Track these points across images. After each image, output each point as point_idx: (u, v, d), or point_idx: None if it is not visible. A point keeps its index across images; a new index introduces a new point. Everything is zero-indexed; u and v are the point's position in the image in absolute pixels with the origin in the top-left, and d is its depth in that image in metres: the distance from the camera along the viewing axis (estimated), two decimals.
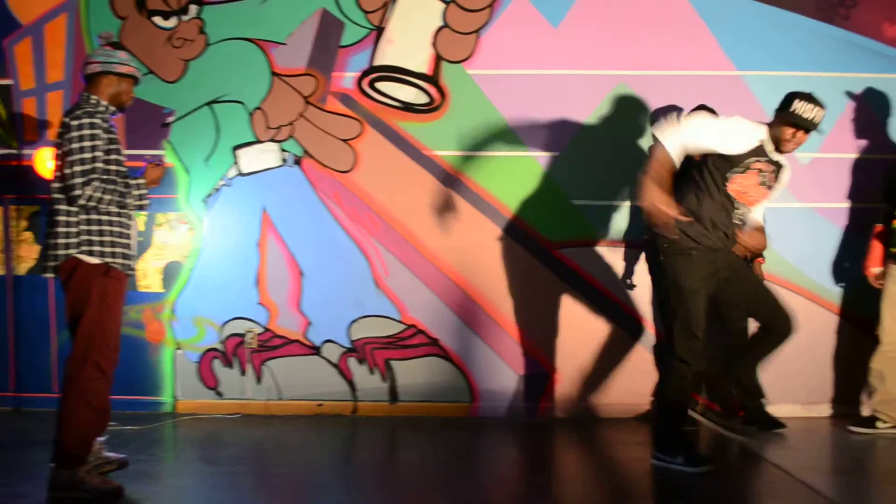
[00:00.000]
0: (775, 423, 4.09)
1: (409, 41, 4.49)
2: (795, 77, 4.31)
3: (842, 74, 4.47)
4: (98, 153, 2.84)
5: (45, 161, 4.10)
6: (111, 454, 3.15)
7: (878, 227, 4.15)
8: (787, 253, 4.44)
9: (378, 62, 4.50)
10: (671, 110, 4.22)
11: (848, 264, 4.48)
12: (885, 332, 4.03)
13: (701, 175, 3.32)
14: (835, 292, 4.52)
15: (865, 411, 4.29)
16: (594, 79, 4.46)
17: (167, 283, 4.52)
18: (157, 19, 4.48)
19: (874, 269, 4.14)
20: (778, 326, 3.43)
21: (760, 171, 3.29)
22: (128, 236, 3.00)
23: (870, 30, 4.51)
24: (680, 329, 3.28)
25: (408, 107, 4.49)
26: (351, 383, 4.53)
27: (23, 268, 4.54)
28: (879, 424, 4.05)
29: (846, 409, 4.46)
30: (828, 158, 4.46)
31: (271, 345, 4.52)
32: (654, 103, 4.44)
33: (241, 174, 4.53)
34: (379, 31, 4.49)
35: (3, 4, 4.50)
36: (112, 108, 3.01)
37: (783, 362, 3.98)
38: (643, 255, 3.74)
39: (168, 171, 4.23)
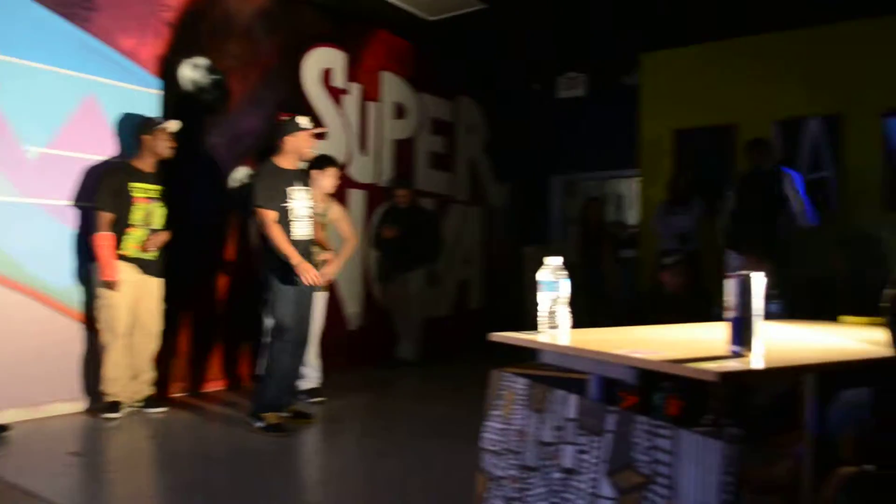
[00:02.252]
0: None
1: None
2: (33, 69, 4.46)
3: (80, 74, 4.71)
4: None
5: None
6: None
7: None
8: (10, 249, 4.40)
9: None
10: None
11: (77, 262, 4.70)
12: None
13: None
14: (61, 290, 4.63)
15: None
16: None
17: None
18: None
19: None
20: None
21: None
22: None
23: (107, 36, 4.87)
24: None
25: None
26: None
27: None
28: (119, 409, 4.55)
29: (86, 401, 4.72)
30: (58, 156, 4.62)
31: None
32: None
33: None
34: None
35: None
36: None
37: (7, 365, 4.14)
38: None
39: None
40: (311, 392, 5.15)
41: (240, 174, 5.76)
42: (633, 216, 9.81)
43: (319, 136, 4.66)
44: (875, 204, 6.63)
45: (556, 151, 9.46)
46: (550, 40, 7.73)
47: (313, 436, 4.40)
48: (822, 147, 6.94)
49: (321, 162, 5.10)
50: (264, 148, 5.25)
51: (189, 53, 5.49)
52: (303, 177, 4.57)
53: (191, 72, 5.50)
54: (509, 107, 9.29)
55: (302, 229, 4.43)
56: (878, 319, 1.37)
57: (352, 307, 6.89)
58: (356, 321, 6.94)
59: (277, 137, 4.45)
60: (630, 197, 10.39)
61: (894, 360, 1.41)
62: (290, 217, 4.37)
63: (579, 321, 2.34)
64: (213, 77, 5.64)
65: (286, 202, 4.35)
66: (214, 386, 5.61)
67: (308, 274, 4.26)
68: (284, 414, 4.47)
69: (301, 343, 4.52)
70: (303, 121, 4.46)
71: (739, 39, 7.37)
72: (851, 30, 6.84)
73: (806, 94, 7.03)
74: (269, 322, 4.44)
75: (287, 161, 4.42)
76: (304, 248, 4.40)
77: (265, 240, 4.33)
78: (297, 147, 4.42)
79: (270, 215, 4.26)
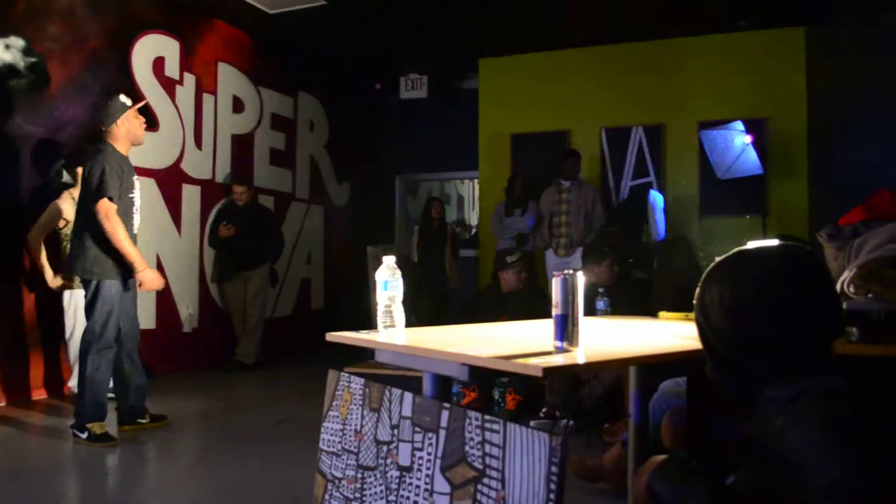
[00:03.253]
0: None
1: None
2: None
3: None
4: None
5: None
6: None
7: None
8: None
9: None
10: None
11: None
12: None
13: None
14: None
15: None
16: None
17: None
18: None
19: None
20: None
21: None
22: None
23: None
24: None
25: None
26: None
27: None
28: None
29: None
30: None
31: None
32: None
33: None
34: None
35: None
36: None
37: None
38: None
39: None
40: None
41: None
42: (473, 216, 10.06)
43: (143, 113, 4.31)
44: (693, 208, 7.19)
45: (399, 151, 9.54)
46: (391, 40, 7.76)
47: (147, 444, 4.15)
48: (645, 154, 7.43)
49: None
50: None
51: (2, 33, 5.02)
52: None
53: (3, 53, 5.03)
54: (351, 105, 9.24)
55: (138, 222, 4.20)
56: (693, 315, 1.47)
57: (186, 309, 6.58)
58: (191, 323, 6.63)
59: (107, 123, 4.08)
60: (470, 198, 10.65)
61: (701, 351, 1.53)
62: (134, 209, 4.12)
63: (424, 319, 2.36)
64: (29, 59, 5.19)
65: (131, 193, 4.09)
66: (35, 395, 5.16)
67: (153, 282, 4.06)
68: (144, 420, 4.28)
69: (132, 347, 4.23)
70: (126, 99, 4.16)
71: (572, 50, 7.76)
72: (674, 46, 7.39)
73: (632, 105, 7.50)
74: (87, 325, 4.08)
75: (124, 147, 4.11)
76: (135, 240, 4.14)
77: (93, 234, 3.95)
78: (132, 129, 4.12)
79: (113, 207, 3.91)
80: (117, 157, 4.03)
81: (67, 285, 5.00)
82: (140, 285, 4.10)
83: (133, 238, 4.10)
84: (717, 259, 1.47)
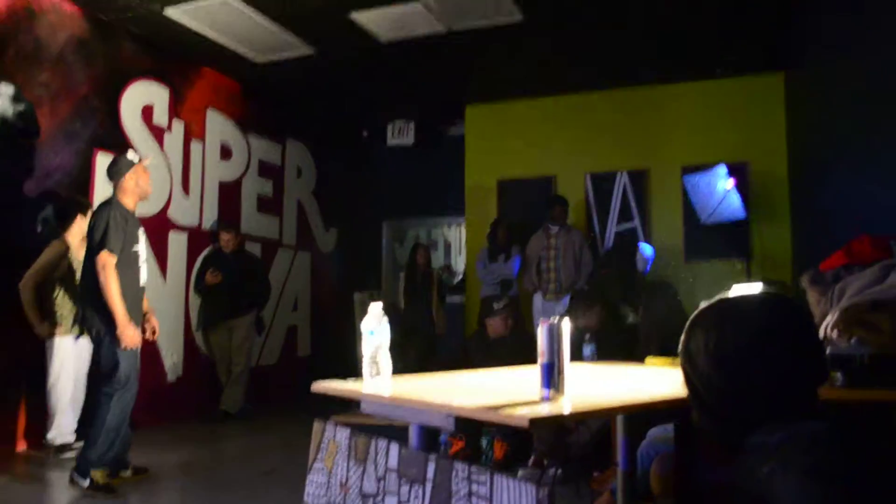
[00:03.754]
0: None
1: None
2: None
3: None
4: None
5: None
6: None
7: None
8: None
9: None
10: None
11: None
12: None
13: None
14: None
15: None
16: None
17: None
18: None
19: None
20: None
21: None
22: None
23: None
24: None
25: None
26: None
27: None
28: None
29: None
30: None
31: None
32: None
33: None
34: None
35: None
36: None
37: None
38: None
39: None
40: None
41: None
42: (460, 262, 10.08)
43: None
44: (678, 252, 7.23)
45: (386, 198, 9.58)
46: (378, 88, 7.86)
47: (129, 498, 4.06)
48: (630, 199, 7.51)
49: (84, 206, 5.05)
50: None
51: None
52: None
53: None
54: (338, 152, 9.31)
55: (145, 275, 4.29)
56: (678, 360, 1.47)
57: (171, 358, 6.51)
58: (176, 372, 6.56)
59: (114, 179, 4.22)
60: (457, 243, 10.68)
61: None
62: (140, 262, 4.20)
63: (410, 367, 2.34)
64: (19, 106, 5.21)
65: (135, 247, 4.17)
66: (19, 446, 5.06)
67: (131, 339, 4.04)
68: (126, 473, 4.25)
69: (134, 394, 4.20)
70: (133, 155, 4.28)
71: (557, 97, 7.88)
72: (656, 93, 7.52)
73: (616, 150, 7.60)
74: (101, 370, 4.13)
75: (131, 202, 4.23)
76: (141, 294, 4.24)
77: (96, 283, 4.01)
78: (140, 184, 4.24)
79: (112, 260, 3.99)
80: (122, 211, 4.12)
81: (54, 333, 4.95)
82: (123, 344, 4.07)
83: (140, 291, 4.21)
84: (702, 306, 1.47)
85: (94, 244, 4.01)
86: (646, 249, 6.79)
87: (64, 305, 4.98)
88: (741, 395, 1.34)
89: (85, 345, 5.05)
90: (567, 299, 6.73)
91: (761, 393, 1.32)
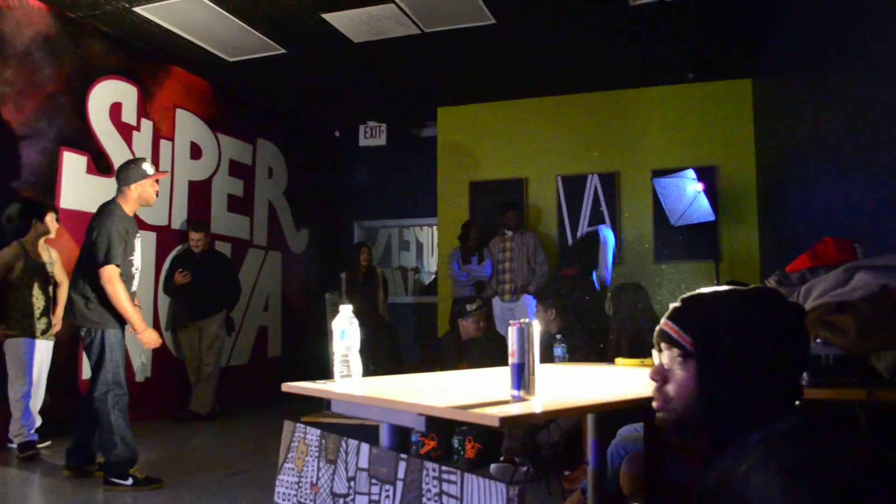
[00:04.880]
0: None
1: None
2: None
3: None
4: None
5: None
6: None
7: None
8: None
9: None
10: None
11: None
12: None
13: None
14: None
15: None
16: None
17: None
18: None
19: None
20: None
21: None
22: None
23: None
24: None
25: None
26: None
27: None
28: None
29: None
30: None
31: None
32: None
33: None
34: None
35: None
36: None
37: None
38: None
39: None
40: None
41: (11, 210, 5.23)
42: (432, 263, 10.08)
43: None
44: (648, 254, 7.31)
45: (358, 198, 9.56)
46: (350, 89, 7.83)
47: (96, 494, 4.01)
48: (601, 201, 7.57)
49: (45, 208, 5.04)
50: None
51: None
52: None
53: None
54: (310, 152, 9.27)
55: (136, 283, 4.33)
56: (649, 361, 1.47)
57: (140, 358, 6.43)
58: (144, 372, 6.48)
59: (122, 184, 4.21)
60: (429, 244, 10.69)
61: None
62: (132, 270, 4.24)
63: (383, 367, 2.35)
64: None
65: (132, 255, 4.20)
66: None
67: (153, 342, 4.22)
68: (91, 467, 4.31)
69: (126, 392, 4.24)
70: (148, 166, 4.28)
71: (529, 100, 7.92)
72: (626, 97, 7.60)
73: (587, 153, 7.67)
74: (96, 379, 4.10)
75: (132, 208, 4.24)
76: (133, 298, 4.30)
77: (95, 287, 4.06)
78: (145, 194, 4.25)
79: (116, 271, 4.03)
80: (125, 221, 4.15)
81: (10, 335, 4.88)
82: (147, 346, 4.25)
83: (132, 296, 4.22)
84: (707, 293, 1.43)
85: (98, 254, 4.02)
86: (608, 237, 6.81)
87: (21, 307, 4.92)
88: (754, 389, 1.30)
89: (45, 346, 5.02)
90: (525, 300, 6.82)
91: (774, 385, 1.31)
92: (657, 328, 1.44)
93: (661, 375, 1.41)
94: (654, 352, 1.46)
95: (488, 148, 8.10)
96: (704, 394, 1.34)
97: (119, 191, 4.22)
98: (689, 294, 1.43)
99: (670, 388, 1.39)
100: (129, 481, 4.06)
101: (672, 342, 1.38)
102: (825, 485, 1.13)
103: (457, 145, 8.27)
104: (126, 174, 4.21)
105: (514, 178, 7.91)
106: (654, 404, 1.42)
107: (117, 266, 4.02)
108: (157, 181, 4.32)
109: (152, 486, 4.09)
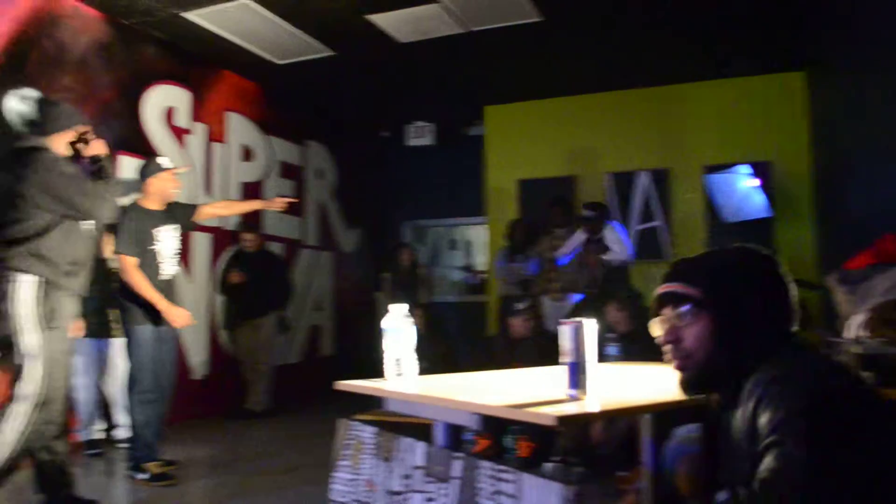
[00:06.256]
0: None
1: None
2: None
3: None
4: None
5: None
6: None
7: None
8: None
9: None
10: None
11: None
12: None
13: None
14: None
15: None
16: None
17: None
18: None
19: None
20: None
21: None
22: None
23: None
24: None
25: None
26: None
27: None
28: None
29: None
30: None
31: None
32: None
33: None
34: None
35: None
36: None
37: None
38: None
39: None
40: None
41: None
42: (481, 262, 10.07)
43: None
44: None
45: (406, 198, 9.60)
46: (398, 89, 7.87)
47: (153, 490, 4.11)
48: (651, 198, 7.47)
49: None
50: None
51: (16, 84, 5.11)
52: (170, 216, 4.48)
53: (17, 104, 5.12)
54: (359, 153, 9.34)
55: (169, 269, 4.44)
56: None
57: (196, 356, 6.57)
58: (201, 370, 6.62)
59: (140, 180, 4.43)
60: (478, 243, 10.67)
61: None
62: (158, 259, 4.35)
63: (435, 366, 2.35)
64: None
65: (153, 244, 4.33)
66: None
67: (178, 317, 4.29)
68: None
69: (164, 389, 4.40)
70: (164, 161, 4.48)
71: (577, 97, 7.86)
72: (677, 92, 7.48)
73: (636, 150, 7.57)
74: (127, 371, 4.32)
75: (152, 202, 4.41)
76: (168, 286, 4.42)
77: (124, 285, 4.27)
78: (161, 188, 4.43)
79: (130, 261, 4.21)
80: (136, 213, 4.33)
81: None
82: (175, 325, 4.34)
83: (163, 284, 4.35)
84: (696, 255, 1.55)
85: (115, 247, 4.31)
86: (613, 236, 6.62)
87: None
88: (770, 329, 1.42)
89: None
90: (575, 298, 6.71)
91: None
92: (655, 295, 1.49)
93: (674, 335, 1.47)
94: (653, 322, 1.51)
95: (536, 146, 8.06)
96: (724, 336, 1.42)
97: (140, 189, 4.43)
98: (677, 259, 1.58)
99: (687, 343, 1.45)
100: (147, 475, 4.19)
101: (679, 299, 1.46)
102: (798, 392, 1.22)
103: (504, 144, 8.24)
104: (143, 171, 4.43)
105: (563, 175, 7.85)
106: (674, 365, 1.50)
107: (126, 255, 4.21)
108: (174, 176, 4.49)
109: (165, 483, 4.18)
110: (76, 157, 3.49)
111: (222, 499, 4.07)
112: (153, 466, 4.22)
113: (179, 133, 6.51)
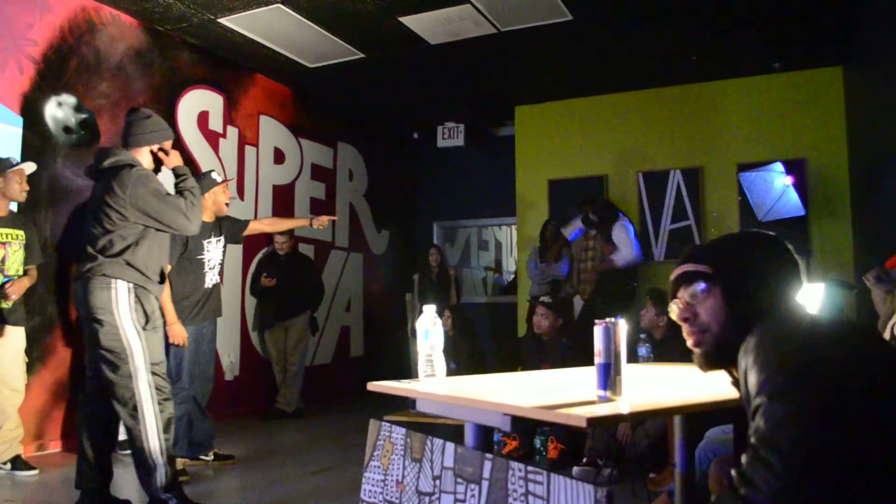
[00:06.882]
0: None
1: None
2: None
3: None
4: None
5: None
6: None
7: None
8: None
9: None
10: None
11: None
12: None
13: None
14: None
15: None
16: None
17: None
18: None
19: None
20: None
21: None
22: None
23: None
24: None
25: None
26: None
27: None
28: None
29: None
30: None
31: None
32: None
33: None
34: None
35: None
36: None
37: None
38: None
39: None
40: None
41: None
42: (511, 262, 10.05)
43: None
44: None
45: (437, 199, 9.62)
46: (428, 90, 7.89)
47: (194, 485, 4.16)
48: (684, 197, 7.39)
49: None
50: None
51: (55, 91, 5.24)
52: (218, 228, 4.66)
53: (56, 110, 5.24)
54: (389, 154, 9.38)
55: (212, 279, 4.62)
56: None
57: (228, 357, 6.65)
58: (233, 371, 6.70)
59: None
60: (508, 243, 10.66)
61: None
62: (205, 269, 4.52)
63: (465, 367, 2.36)
64: (81, 116, 5.39)
65: (201, 255, 4.49)
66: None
67: (176, 337, 4.34)
68: (207, 458, 4.69)
69: (199, 391, 4.61)
70: (216, 175, 4.63)
71: (607, 96, 7.80)
72: (709, 89, 7.39)
73: (668, 148, 7.49)
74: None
75: (207, 215, 4.51)
76: (210, 294, 4.61)
77: None
78: (217, 202, 4.60)
79: (167, 266, 4.29)
80: None
81: None
82: (172, 341, 4.36)
83: (205, 291, 4.56)
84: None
85: None
86: (622, 236, 6.59)
87: None
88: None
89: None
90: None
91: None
92: (670, 279, 1.57)
93: (689, 311, 1.51)
94: (671, 305, 1.55)
95: (567, 145, 8.02)
96: (735, 303, 1.45)
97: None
98: (686, 247, 1.63)
99: (702, 317, 1.49)
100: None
101: (691, 278, 1.51)
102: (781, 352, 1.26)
103: (535, 144, 8.22)
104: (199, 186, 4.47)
105: (594, 175, 7.80)
106: (690, 342, 1.52)
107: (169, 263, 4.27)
108: (227, 189, 4.66)
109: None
110: (157, 168, 3.60)
111: (253, 498, 4.11)
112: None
113: (213, 136, 6.60)
